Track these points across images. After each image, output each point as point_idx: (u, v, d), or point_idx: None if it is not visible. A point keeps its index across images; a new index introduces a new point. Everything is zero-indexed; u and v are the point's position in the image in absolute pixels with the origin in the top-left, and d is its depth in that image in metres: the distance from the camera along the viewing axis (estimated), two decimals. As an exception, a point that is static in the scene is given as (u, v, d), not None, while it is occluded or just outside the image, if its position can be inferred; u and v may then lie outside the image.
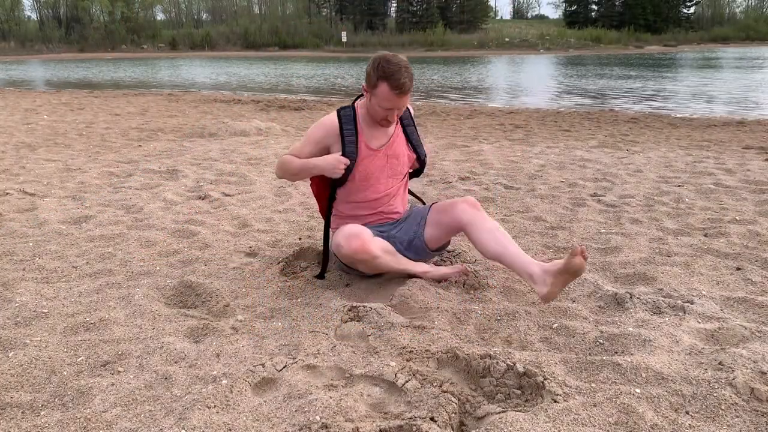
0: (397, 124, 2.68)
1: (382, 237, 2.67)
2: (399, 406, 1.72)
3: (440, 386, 1.79)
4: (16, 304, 2.42)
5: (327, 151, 2.60)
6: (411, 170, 2.82)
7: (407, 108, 2.69)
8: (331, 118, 2.60)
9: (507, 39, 73.17)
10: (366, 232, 2.48)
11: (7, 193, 4.32)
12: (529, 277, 2.28)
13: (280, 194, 4.42)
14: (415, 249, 2.69)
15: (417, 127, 2.77)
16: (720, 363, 1.83)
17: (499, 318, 2.26)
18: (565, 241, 3.24)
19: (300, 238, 3.32)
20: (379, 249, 2.48)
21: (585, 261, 2.13)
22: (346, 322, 2.22)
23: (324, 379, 1.87)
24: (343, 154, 2.55)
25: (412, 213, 2.76)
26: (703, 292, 2.46)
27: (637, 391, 1.72)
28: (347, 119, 2.59)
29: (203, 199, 4.28)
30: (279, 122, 9.19)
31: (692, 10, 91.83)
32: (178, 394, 1.79)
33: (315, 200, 3.05)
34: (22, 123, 8.81)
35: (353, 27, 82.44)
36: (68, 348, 2.07)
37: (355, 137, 2.57)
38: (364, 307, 2.27)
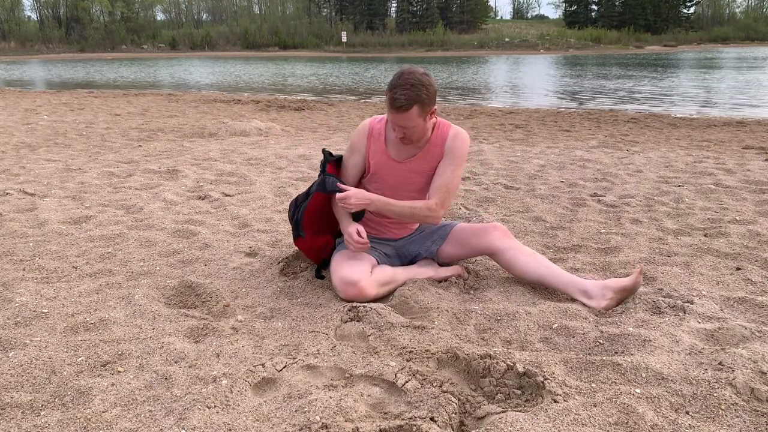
0: (430, 143, 2.51)
1: (383, 248, 2.67)
2: (399, 406, 1.72)
3: (440, 386, 1.79)
4: (16, 304, 2.42)
5: (361, 154, 2.60)
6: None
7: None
8: (367, 122, 2.62)
9: (507, 39, 73.23)
10: (363, 277, 2.40)
11: (7, 193, 4.32)
12: (582, 293, 2.38)
13: (280, 194, 4.42)
14: (418, 259, 2.71)
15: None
16: (720, 363, 1.83)
17: (499, 318, 2.26)
18: (565, 241, 3.24)
19: (300, 238, 3.32)
20: (377, 287, 2.44)
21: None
22: (346, 322, 2.22)
23: (324, 379, 1.87)
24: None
25: (428, 228, 2.74)
26: (703, 292, 2.46)
27: (637, 391, 1.72)
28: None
29: (203, 199, 4.28)
30: (279, 122, 9.19)
31: (692, 10, 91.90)
32: (178, 394, 1.78)
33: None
34: (22, 123, 8.81)
35: (353, 27, 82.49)
36: (68, 348, 2.07)
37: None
38: (364, 307, 2.27)
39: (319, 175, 2.63)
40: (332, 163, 2.63)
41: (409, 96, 2.27)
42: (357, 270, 2.43)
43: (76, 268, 2.87)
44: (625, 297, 2.35)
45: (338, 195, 2.43)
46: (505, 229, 2.60)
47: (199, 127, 8.43)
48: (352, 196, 2.40)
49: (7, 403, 1.74)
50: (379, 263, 2.60)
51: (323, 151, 2.66)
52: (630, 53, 55.68)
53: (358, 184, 2.68)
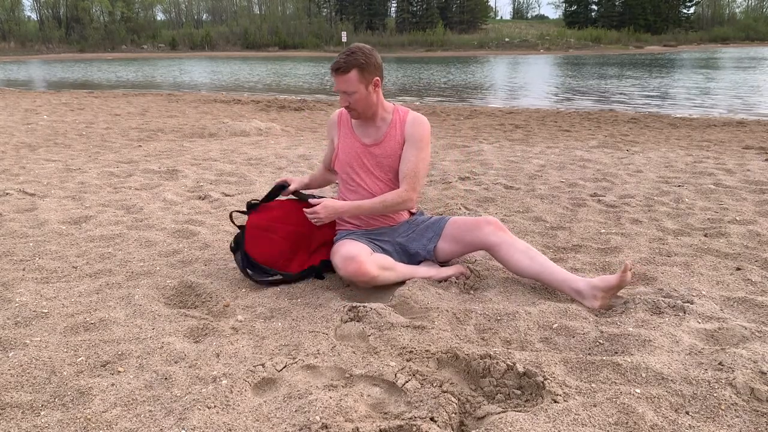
0: (390, 127, 2.64)
1: (383, 243, 2.69)
2: (399, 406, 1.72)
3: (440, 386, 1.79)
4: (16, 304, 2.42)
5: (332, 140, 2.80)
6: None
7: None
8: (337, 111, 2.81)
9: (507, 39, 73.29)
10: (363, 253, 2.48)
11: (7, 193, 4.32)
12: (575, 293, 2.39)
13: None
14: (417, 258, 2.71)
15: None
16: (720, 363, 1.83)
17: (499, 318, 2.26)
18: (565, 241, 3.24)
19: (300, 238, 3.32)
20: (377, 268, 2.48)
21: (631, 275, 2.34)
22: (346, 322, 2.22)
23: (324, 379, 1.87)
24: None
25: (422, 223, 2.75)
26: (703, 292, 2.46)
27: (637, 391, 1.72)
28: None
29: (203, 199, 4.28)
30: (279, 122, 9.19)
31: (692, 10, 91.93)
32: (178, 394, 1.78)
33: None
34: (22, 123, 8.81)
35: (353, 27, 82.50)
36: (68, 348, 2.07)
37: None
38: (364, 307, 2.27)
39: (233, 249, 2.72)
40: (254, 212, 2.71)
41: (347, 60, 2.47)
42: (357, 248, 2.51)
43: (76, 268, 2.87)
44: (614, 294, 2.36)
45: (306, 210, 2.57)
46: (498, 223, 2.60)
47: (199, 127, 8.43)
48: (320, 210, 2.54)
49: (7, 403, 1.74)
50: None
51: (248, 204, 2.74)
52: (630, 53, 55.71)
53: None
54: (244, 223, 2.71)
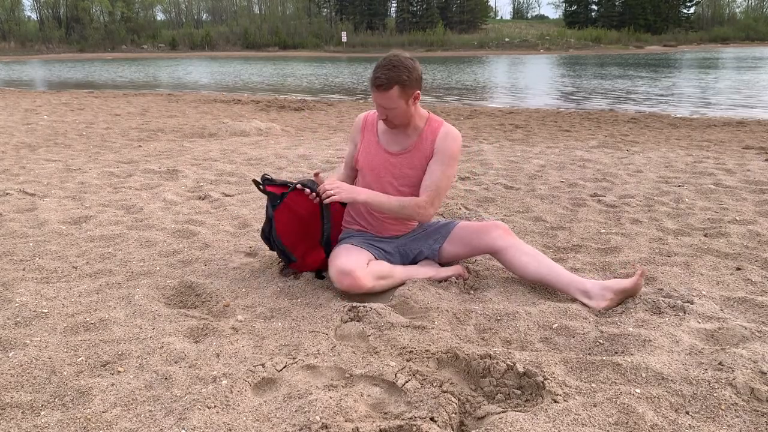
0: (421, 138, 2.55)
1: (384, 245, 2.67)
2: (399, 406, 1.72)
3: (440, 386, 1.79)
4: (16, 304, 2.42)
5: (355, 145, 2.71)
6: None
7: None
8: (363, 115, 2.73)
9: (507, 39, 73.33)
10: (358, 267, 2.42)
11: (7, 193, 4.32)
12: (582, 293, 2.38)
13: (280, 194, 4.42)
14: (419, 258, 2.71)
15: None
16: (720, 363, 1.83)
17: (499, 318, 2.26)
18: (565, 241, 3.24)
19: (300, 238, 3.32)
20: (372, 279, 2.45)
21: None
22: (346, 322, 2.22)
23: (324, 379, 1.87)
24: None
25: (430, 227, 2.74)
26: (703, 292, 2.46)
27: (637, 391, 1.72)
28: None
29: (203, 199, 4.28)
30: (279, 122, 9.19)
31: (692, 10, 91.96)
32: (178, 394, 1.78)
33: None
34: (22, 123, 8.81)
35: (353, 27, 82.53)
36: (68, 348, 2.07)
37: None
38: (364, 307, 2.27)
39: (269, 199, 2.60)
40: (272, 186, 2.58)
41: (389, 76, 2.33)
42: (353, 260, 2.45)
43: (76, 268, 2.87)
44: (625, 298, 2.36)
45: (326, 184, 2.44)
46: (507, 228, 2.61)
47: (199, 127, 8.43)
48: (342, 187, 2.44)
49: (7, 403, 1.74)
50: (376, 259, 2.60)
51: (262, 177, 2.60)
52: (630, 53, 55.73)
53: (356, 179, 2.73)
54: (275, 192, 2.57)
